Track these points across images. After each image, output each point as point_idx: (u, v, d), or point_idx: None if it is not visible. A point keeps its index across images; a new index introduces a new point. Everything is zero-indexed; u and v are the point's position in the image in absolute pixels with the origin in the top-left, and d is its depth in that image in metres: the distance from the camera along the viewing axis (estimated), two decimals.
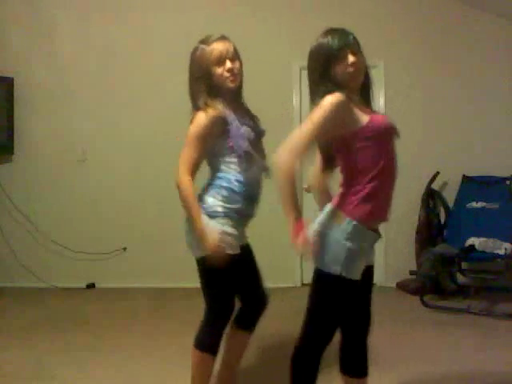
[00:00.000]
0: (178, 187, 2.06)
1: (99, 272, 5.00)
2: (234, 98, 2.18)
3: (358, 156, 1.79)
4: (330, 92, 1.75)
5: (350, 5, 4.91)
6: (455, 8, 4.84)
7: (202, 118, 2.07)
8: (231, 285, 2.17)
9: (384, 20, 4.89)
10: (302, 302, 1.92)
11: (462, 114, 4.87)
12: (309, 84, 1.86)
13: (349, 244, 1.77)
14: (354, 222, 1.78)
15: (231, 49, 2.12)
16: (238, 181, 2.10)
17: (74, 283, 4.94)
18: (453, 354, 3.17)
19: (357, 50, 1.81)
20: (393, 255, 4.82)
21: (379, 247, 4.85)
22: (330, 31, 1.83)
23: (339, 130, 1.77)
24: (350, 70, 1.78)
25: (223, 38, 2.13)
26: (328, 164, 1.94)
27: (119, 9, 5.00)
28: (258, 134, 2.22)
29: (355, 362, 2.02)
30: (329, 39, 1.79)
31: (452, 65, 4.88)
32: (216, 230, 2.04)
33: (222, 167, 2.13)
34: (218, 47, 2.09)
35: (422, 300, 4.14)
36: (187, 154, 2.08)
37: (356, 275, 1.82)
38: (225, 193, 2.09)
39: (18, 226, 5.01)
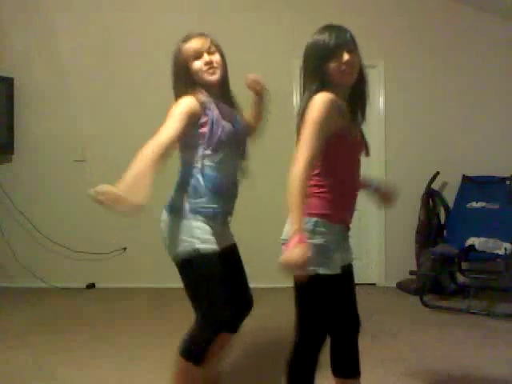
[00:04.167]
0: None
1: (99, 272, 5.00)
2: (218, 93, 2.11)
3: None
4: (319, 88, 1.75)
5: (350, 4, 4.91)
6: (455, 8, 4.84)
7: (187, 100, 2.02)
8: (220, 285, 2.01)
9: (384, 20, 4.89)
10: None
11: (462, 113, 4.87)
12: (302, 76, 1.86)
13: (315, 241, 1.75)
14: (314, 219, 1.77)
15: (208, 42, 2.08)
16: (208, 176, 2.02)
17: (74, 283, 4.95)
18: (453, 353, 3.17)
19: (353, 48, 1.80)
20: (393, 255, 4.82)
21: (379, 247, 4.86)
22: (328, 28, 1.82)
23: (332, 128, 1.75)
24: (344, 68, 1.78)
25: (201, 34, 2.11)
26: None
27: (119, 9, 5.00)
28: (240, 130, 2.13)
29: (346, 362, 2.00)
30: (326, 36, 1.78)
31: (452, 64, 4.88)
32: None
33: (193, 162, 2.03)
34: (194, 42, 2.07)
35: (421, 300, 4.15)
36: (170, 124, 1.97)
37: (334, 269, 1.80)
38: (193, 189, 2.02)
39: (17, 225, 5.02)
